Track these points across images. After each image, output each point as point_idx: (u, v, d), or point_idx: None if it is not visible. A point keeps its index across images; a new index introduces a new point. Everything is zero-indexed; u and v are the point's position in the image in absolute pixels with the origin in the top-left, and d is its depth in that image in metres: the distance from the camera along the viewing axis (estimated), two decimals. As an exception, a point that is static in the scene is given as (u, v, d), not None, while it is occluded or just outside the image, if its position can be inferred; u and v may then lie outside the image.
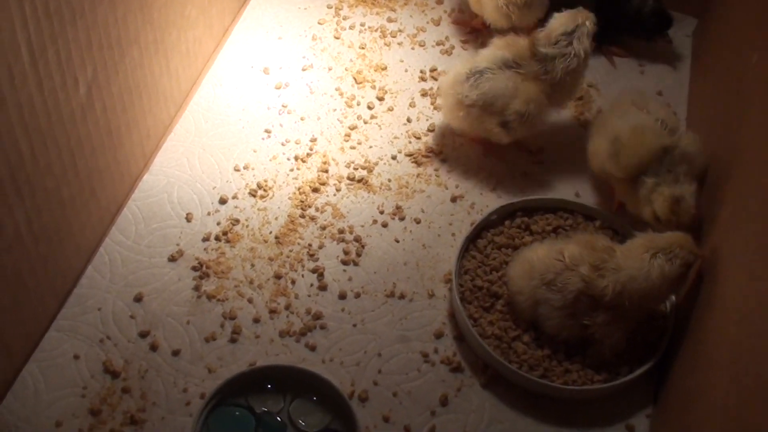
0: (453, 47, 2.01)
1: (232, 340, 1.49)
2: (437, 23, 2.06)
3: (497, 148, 1.76)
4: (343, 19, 2.05)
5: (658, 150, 1.57)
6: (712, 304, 1.33)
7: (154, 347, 1.47)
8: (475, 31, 2.04)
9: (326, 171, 1.73)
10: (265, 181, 1.71)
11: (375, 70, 1.94)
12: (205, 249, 1.60)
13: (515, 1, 1.86)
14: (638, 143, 1.58)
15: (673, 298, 1.51)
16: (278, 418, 1.37)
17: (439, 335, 1.52)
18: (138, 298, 1.52)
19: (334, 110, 1.85)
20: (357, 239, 1.64)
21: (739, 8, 1.73)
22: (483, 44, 1.98)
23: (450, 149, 1.80)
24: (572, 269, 1.42)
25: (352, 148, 1.79)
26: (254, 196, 1.69)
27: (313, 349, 1.49)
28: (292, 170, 1.73)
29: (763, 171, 1.29)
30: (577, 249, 1.44)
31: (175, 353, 1.47)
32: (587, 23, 1.68)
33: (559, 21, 1.70)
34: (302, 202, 1.68)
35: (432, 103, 1.88)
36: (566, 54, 1.67)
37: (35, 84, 1.24)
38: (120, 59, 1.48)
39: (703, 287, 1.41)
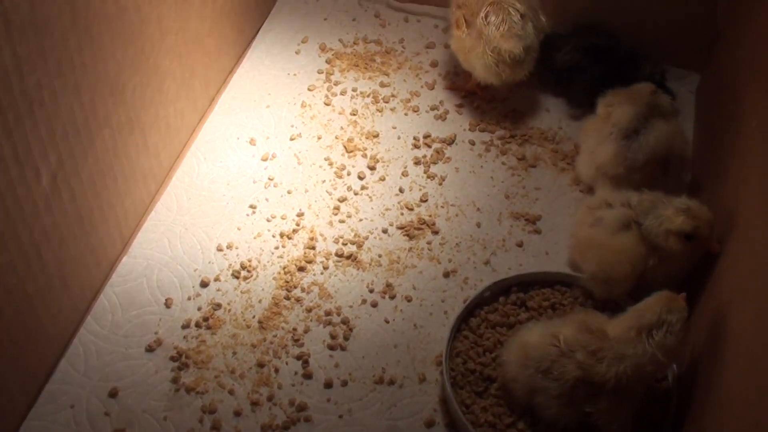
0: (447, 112, 1.95)
1: (212, 436, 1.42)
2: (431, 87, 2.00)
3: None
4: (335, 84, 1.99)
5: None
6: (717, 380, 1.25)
7: (129, 446, 1.40)
8: (470, 94, 1.98)
9: (313, 248, 1.67)
10: (249, 261, 1.64)
11: (366, 138, 1.88)
12: (184, 337, 1.53)
13: (505, 59, 1.80)
14: None
15: (675, 368, 1.43)
16: None
17: (430, 424, 1.44)
18: (113, 393, 1.45)
19: (323, 181, 1.79)
20: (345, 321, 1.56)
21: (739, 67, 1.66)
22: (478, 108, 1.93)
23: (443, 220, 1.73)
24: (568, 356, 1.34)
25: (341, 221, 1.72)
26: (237, 277, 1.62)
27: (297, 443, 1.41)
28: (277, 248, 1.67)
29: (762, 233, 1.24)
30: (571, 332, 1.36)
31: (152, 451, 1.40)
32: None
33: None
34: (287, 282, 1.61)
35: (425, 172, 1.81)
36: None
37: (-12, 181, 1.18)
38: (89, 144, 1.42)
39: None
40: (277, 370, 1.50)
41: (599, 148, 1.70)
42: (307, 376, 1.49)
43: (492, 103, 1.97)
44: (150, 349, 1.51)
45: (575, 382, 1.33)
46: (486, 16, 1.81)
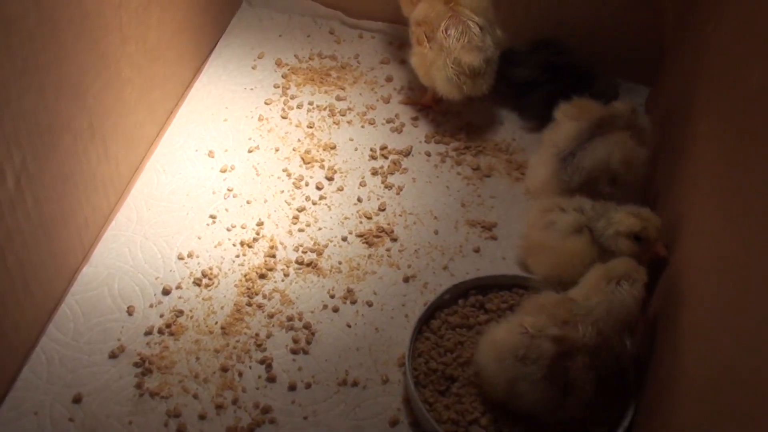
0: (403, 124, 1.98)
1: (177, 439, 1.42)
2: (387, 101, 2.03)
3: None
4: (291, 98, 2.01)
5: None
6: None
7: (93, 451, 1.40)
8: (425, 108, 2.01)
9: (273, 256, 1.68)
10: (210, 269, 1.65)
11: (324, 150, 1.90)
12: (147, 343, 1.53)
13: (466, 72, 1.84)
14: None
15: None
16: None
17: (394, 423, 1.45)
18: (77, 399, 1.45)
19: (282, 192, 1.80)
20: (307, 326, 1.57)
21: (687, 78, 1.72)
22: (433, 120, 1.97)
23: (402, 228, 1.75)
24: (540, 337, 1.37)
25: (301, 230, 1.73)
26: (199, 285, 1.62)
27: (262, 445, 1.42)
28: (238, 256, 1.68)
29: (714, 238, 1.27)
30: (532, 318, 1.39)
31: (117, 456, 1.39)
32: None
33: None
34: (249, 289, 1.62)
35: (383, 182, 1.84)
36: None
37: (-46, 179, 1.18)
38: (52, 147, 1.43)
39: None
40: (240, 374, 1.50)
41: (538, 168, 1.73)
42: (271, 379, 1.50)
43: (447, 115, 2.00)
44: (113, 356, 1.51)
45: (552, 360, 1.36)
46: (446, 30, 1.85)
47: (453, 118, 2.00)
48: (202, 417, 1.44)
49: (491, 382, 1.42)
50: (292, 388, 1.49)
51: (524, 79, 1.99)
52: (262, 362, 1.52)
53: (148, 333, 1.55)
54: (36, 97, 1.35)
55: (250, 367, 1.51)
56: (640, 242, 1.53)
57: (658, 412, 1.32)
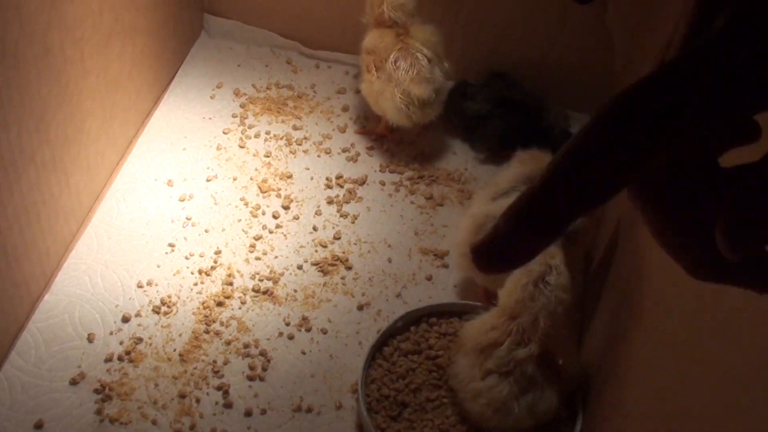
0: (359, 154, 2.03)
1: (136, 465, 1.46)
2: (343, 130, 2.08)
3: None
4: (248, 127, 2.06)
5: None
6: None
7: (54, 476, 1.44)
8: (380, 137, 2.07)
9: (231, 284, 1.72)
10: (169, 296, 1.69)
11: (280, 179, 1.95)
12: (107, 370, 1.57)
13: (414, 102, 1.90)
14: None
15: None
16: None
17: (347, 449, 1.50)
18: (39, 426, 1.48)
19: (239, 221, 1.85)
20: (263, 353, 1.62)
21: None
22: (388, 150, 2.02)
23: (356, 257, 1.81)
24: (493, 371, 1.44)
25: (258, 258, 1.78)
26: (158, 313, 1.67)
27: (218, 470, 1.46)
28: (196, 284, 1.72)
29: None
30: (468, 361, 1.47)
31: (76, 482, 1.43)
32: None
33: None
34: (206, 317, 1.66)
35: (338, 211, 1.89)
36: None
37: None
38: (15, 180, 1.46)
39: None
40: (198, 401, 1.55)
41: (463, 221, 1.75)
42: (228, 405, 1.54)
43: (401, 145, 2.06)
44: (74, 383, 1.55)
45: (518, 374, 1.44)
46: (395, 62, 1.90)
47: (407, 148, 2.06)
48: (160, 443, 1.49)
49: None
50: (248, 414, 1.54)
51: (476, 113, 2.05)
52: (219, 389, 1.56)
53: (108, 360, 1.59)
54: (0, 131, 1.39)
55: (208, 394, 1.56)
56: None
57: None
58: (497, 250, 0.48)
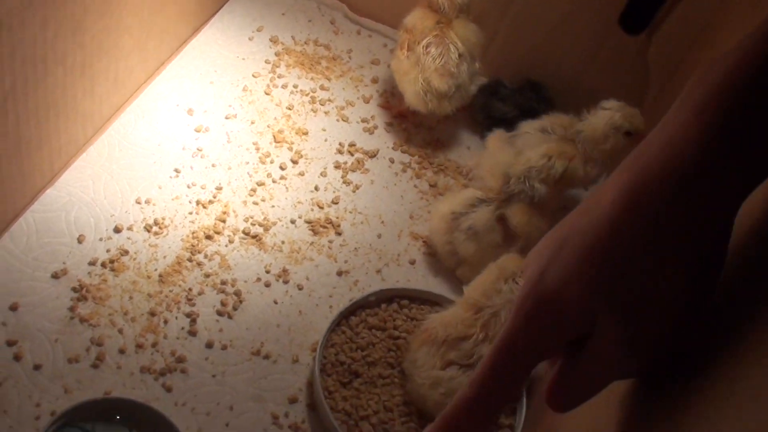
0: (376, 127, 2.08)
1: (95, 366, 1.53)
2: (367, 101, 2.13)
3: None
4: (278, 77, 2.11)
5: None
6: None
7: (17, 357, 1.50)
8: (400, 116, 2.11)
9: (224, 221, 1.78)
10: (163, 218, 1.75)
11: (296, 133, 2.00)
12: (89, 273, 1.64)
13: (433, 91, 1.94)
14: None
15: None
16: (117, 451, 1.41)
17: (293, 400, 1.57)
18: (13, 308, 1.55)
19: (247, 163, 1.91)
20: (237, 293, 1.68)
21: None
22: (405, 130, 2.07)
23: (348, 225, 1.86)
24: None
25: (255, 203, 1.84)
26: (149, 231, 1.73)
27: (169, 390, 1.53)
28: (191, 213, 1.78)
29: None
30: (433, 346, 1.53)
31: (37, 367, 1.50)
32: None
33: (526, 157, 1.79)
34: (193, 246, 1.73)
35: (343, 177, 1.95)
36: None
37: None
38: (42, 77, 1.52)
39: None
40: (166, 322, 1.61)
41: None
42: (192, 333, 1.61)
43: (419, 128, 2.11)
44: (55, 277, 1.61)
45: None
46: (427, 47, 1.94)
47: (424, 132, 2.11)
48: (121, 351, 1.55)
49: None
50: (209, 346, 1.60)
51: (503, 115, 2.08)
52: (188, 316, 1.63)
53: (92, 264, 1.65)
54: (37, 29, 1.44)
55: (176, 318, 1.63)
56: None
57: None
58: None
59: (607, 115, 1.75)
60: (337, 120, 2.07)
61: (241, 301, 1.68)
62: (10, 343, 1.52)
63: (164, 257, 1.70)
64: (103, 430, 1.42)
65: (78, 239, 1.68)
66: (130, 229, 1.73)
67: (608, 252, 0.67)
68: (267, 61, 2.15)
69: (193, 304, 1.65)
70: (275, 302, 1.70)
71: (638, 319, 0.68)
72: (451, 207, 1.78)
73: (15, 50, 1.41)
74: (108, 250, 1.68)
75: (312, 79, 2.14)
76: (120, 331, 1.58)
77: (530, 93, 2.12)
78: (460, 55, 1.96)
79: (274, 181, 1.90)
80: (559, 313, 0.69)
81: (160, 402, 1.51)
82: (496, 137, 1.87)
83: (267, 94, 2.07)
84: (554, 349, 0.73)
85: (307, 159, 1.96)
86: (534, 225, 1.74)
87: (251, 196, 1.85)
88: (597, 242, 0.67)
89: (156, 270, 1.68)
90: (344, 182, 1.94)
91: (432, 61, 1.94)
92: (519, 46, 2.16)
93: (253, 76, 2.10)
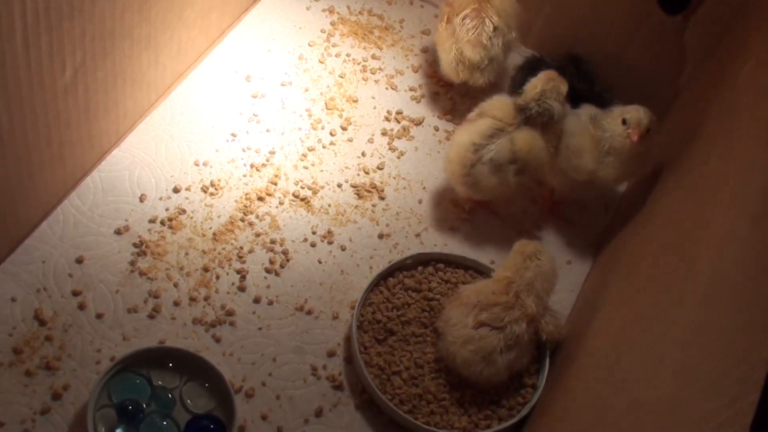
0: (423, 96, 2.18)
1: (151, 316, 1.68)
2: (416, 70, 2.23)
3: (494, 205, 1.98)
4: (332, 45, 2.22)
5: None
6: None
7: (82, 306, 1.66)
8: (447, 86, 2.20)
9: (275, 183, 1.91)
10: (219, 180, 1.88)
11: (347, 101, 2.11)
12: (149, 230, 1.78)
13: (464, 62, 2.03)
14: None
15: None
16: (170, 395, 1.55)
17: (331, 354, 1.70)
18: (79, 260, 1.70)
19: (299, 129, 2.03)
20: (284, 252, 1.81)
21: (695, 125, 1.90)
22: (451, 99, 2.16)
23: (392, 190, 1.97)
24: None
25: (305, 167, 1.96)
26: (205, 192, 1.86)
27: (218, 340, 1.67)
28: (245, 175, 1.91)
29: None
30: (467, 308, 1.65)
31: (99, 316, 1.65)
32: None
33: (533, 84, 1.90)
34: (246, 207, 1.85)
35: (389, 144, 2.05)
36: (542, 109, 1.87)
37: (24, 65, 1.41)
38: (110, 50, 1.65)
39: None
40: (218, 277, 1.75)
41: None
42: (242, 289, 1.75)
43: (464, 98, 2.19)
44: (118, 233, 1.76)
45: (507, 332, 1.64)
46: (464, 19, 2.02)
47: (469, 102, 2.17)
48: (176, 303, 1.70)
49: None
50: (257, 301, 1.74)
51: None
52: (238, 272, 1.77)
53: (152, 221, 1.80)
54: (106, 6, 1.57)
55: (228, 274, 1.76)
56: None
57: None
58: None
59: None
60: (386, 88, 2.18)
61: (288, 260, 1.81)
62: (76, 293, 1.67)
63: (218, 217, 1.84)
64: (157, 376, 1.57)
65: (140, 198, 1.82)
66: (188, 189, 1.86)
67: None
68: (323, 30, 2.25)
69: (244, 262, 1.78)
70: (319, 261, 1.83)
71: None
72: (471, 137, 1.86)
73: (85, 29, 1.54)
74: (167, 209, 1.82)
75: (364, 48, 2.24)
76: (175, 284, 1.72)
77: (571, 70, 2.15)
78: (495, 29, 2.03)
79: (324, 147, 2.01)
80: None
81: (210, 351, 1.65)
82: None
83: (321, 62, 2.18)
84: None
85: (355, 126, 2.07)
86: (535, 152, 1.85)
87: (302, 160, 1.97)
88: None
89: (210, 228, 1.81)
90: (390, 149, 2.05)
91: (466, 32, 2.02)
92: (560, 21, 2.22)
93: (309, 45, 2.21)
